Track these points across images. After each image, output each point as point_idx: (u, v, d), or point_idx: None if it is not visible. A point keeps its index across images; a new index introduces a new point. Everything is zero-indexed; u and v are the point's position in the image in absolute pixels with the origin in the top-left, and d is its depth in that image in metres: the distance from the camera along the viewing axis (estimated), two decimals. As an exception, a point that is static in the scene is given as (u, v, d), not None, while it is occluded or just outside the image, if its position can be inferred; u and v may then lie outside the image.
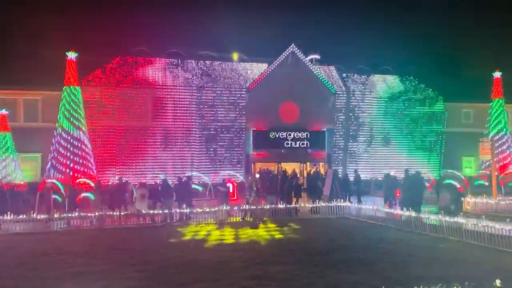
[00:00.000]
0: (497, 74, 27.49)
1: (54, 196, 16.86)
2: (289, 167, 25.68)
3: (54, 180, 19.13)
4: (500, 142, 26.91)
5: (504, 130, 27.35)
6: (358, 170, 24.73)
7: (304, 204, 17.75)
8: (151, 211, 15.82)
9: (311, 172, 22.48)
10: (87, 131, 22.96)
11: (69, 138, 21.73)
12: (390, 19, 66.07)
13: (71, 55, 22.31)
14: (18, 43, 33.04)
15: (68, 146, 21.67)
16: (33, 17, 43.00)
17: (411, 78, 30.74)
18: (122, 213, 15.52)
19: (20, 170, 22.77)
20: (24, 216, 14.49)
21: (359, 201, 19.08)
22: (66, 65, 22.35)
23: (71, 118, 21.97)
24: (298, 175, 22.67)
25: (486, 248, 10.60)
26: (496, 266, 8.88)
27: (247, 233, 13.48)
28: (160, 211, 15.93)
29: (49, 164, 21.94)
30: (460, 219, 11.82)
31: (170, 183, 18.28)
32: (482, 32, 61.46)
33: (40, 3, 49.96)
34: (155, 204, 16.62)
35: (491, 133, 26.96)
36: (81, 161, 21.69)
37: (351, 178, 21.93)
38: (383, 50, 54.33)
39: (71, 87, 22.18)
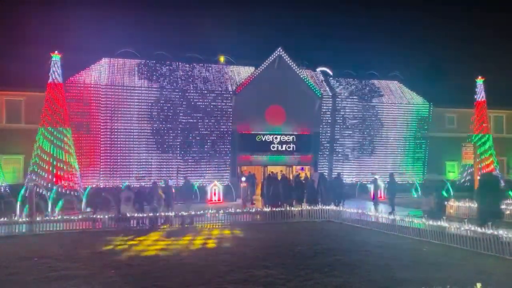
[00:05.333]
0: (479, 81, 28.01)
1: (36, 198, 16.58)
2: (275, 170, 25.74)
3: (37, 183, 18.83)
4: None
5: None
6: (343, 173, 24.91)
7: (290, 207, 17.76)
8: (136, 214, 15.68)
9: (300, 176, 22.48)
10: (72, 133, 22.64)
11: (52, 139, 21.38)
12: (376, 26, 66.95)
13: (55, 57, 22.03)
14: (1, 43, 32.52)
15: (52, 146, 21.32)
16: (16, 16, 42.45)
17: (396, 82, 31.08)
18: (106, 216, 15.35)
19: (1, 172, 22.33)
20: (6, 219, 14.25)
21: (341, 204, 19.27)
22: (50, 66, 22.05)
23: (55, 117, 21.63)
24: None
25: (468, 251, 10.77)
26: (478, 269, 9.04)
27: (232, 236, 13.47)
28: (145, 214, 15.81)
29: (31, 166, 21.55)
30: (443, 223, 12.01)
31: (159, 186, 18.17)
32: (466, 38, 62.63)
33: (23, 2, 49.34)
34: (141, 207, 16.47)
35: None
36: (64, 164, 21.31)
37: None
38: (369, 55, 55.09)
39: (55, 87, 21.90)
